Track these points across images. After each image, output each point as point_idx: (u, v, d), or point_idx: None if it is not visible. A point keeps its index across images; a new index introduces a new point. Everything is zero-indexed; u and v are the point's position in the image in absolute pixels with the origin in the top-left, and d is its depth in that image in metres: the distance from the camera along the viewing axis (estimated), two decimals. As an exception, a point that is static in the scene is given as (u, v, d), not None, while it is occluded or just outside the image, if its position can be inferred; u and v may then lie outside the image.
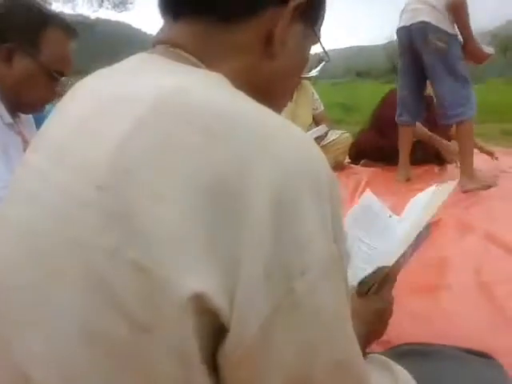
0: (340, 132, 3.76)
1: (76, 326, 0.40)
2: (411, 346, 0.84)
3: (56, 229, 0.43)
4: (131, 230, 0.39)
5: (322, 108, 3.85)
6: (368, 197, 1.02)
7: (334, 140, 3.60)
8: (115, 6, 22.76)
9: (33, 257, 0.44)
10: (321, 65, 0.69)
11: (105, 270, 0.39)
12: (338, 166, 3.47)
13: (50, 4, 22.42)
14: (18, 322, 0.44)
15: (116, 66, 0.53)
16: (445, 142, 3.41)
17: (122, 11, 23.32)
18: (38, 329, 0.42)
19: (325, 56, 0.67)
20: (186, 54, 0.51)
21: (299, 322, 0.40)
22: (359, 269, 0.86)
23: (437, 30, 2.66)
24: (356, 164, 3.78)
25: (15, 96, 1.23)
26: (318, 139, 3.45)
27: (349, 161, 3.80)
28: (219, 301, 0.37)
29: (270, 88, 0.57)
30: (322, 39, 0.61)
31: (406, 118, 3.07)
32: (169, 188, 0.39)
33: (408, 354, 0.78)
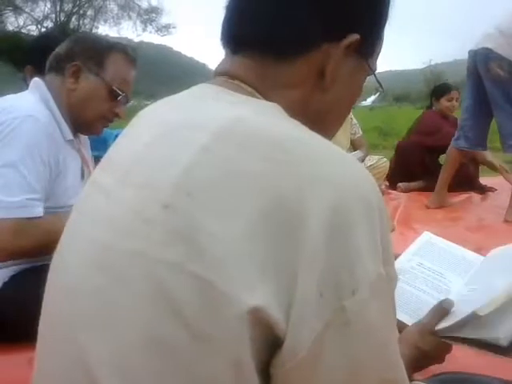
0: (378, 157, 3.75)
1: (139, 333, 0.43)
2: (452, 374, 0.84)
3: (120, 242, 0.46)
4: (195, 246, 0.42)
5: (361, 133, 3.86)
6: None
7: (371, 165, 3.59)
8: (158, 30, 23.63)
9: (100, 267, 0.47)
10: (376, 95, 0.71)
11: (168, 281, 0.42)
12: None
13: (97, 28, 23.44)
14: (86, 326, 0.47)
15: (182, 94, 0.57)
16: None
17: (164, 35, 24.18)
18: (104, 333, 0.45)
19: (379, 87, 0.68)
20: (244, 85, 0.54)
21: (349, 338, 0.42)
22: (426, 294, 0.89)
23: (499, 57, 2.64)
24: (393, 188, 3.77)
25: (78, 112, 1.33)
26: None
27: (387, 184, 3.80)
28: (276, 315, 0.40)
29: (322, 118, 0.59)
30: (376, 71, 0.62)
31: (462, 142, 2.97)
32: (231, 210, 0.42)
33: (451, 382, 0.78)
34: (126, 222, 0.47)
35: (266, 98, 0.54)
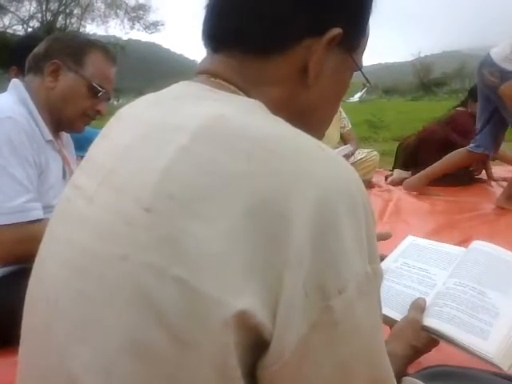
0: (367, 150, 3.76)
1: (122, 338, 0.42)
2: (444, 367, 0.84)
3: (102, 245, 0.45)
4: (178, 249, 0.41)
5: (350, 126, 3.86)
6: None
7: (361, 159, 3.60)
8: (146, 28, 23.47)
9: (81, 271, 0.46)
10: (363, 91, 0.69)
11: (151, 285, 0.41)
12: (365, 185, 3.44)
13: (85, 27, 23.25)
14: (69, 332, 0.46)
15: (161, 93, 0.55)
16: None
17: (152, 32, 24.02)
18: (87, 338, 0.44)
19: (366, 83, 0.67)
20: (225, 83, 0.53)
21: (336, 339, 0.42)
22: (412, 289, 0.90)
23: (492, 64, 2.65)
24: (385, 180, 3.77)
25: (59, 111, 1.32)
26: (344, 157, 3.45)
27: (376, 180, 3.80)
28: (262, 317, 0.39)
29: (308, 116, 0.57)
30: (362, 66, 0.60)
31: (476, 147, 3.04)
32: (213, 211, 0.41)
33: (440, 376, 0.78)
34: (107, 226, 0.46)
35: (248, 95, 0.53)
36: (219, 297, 0.39)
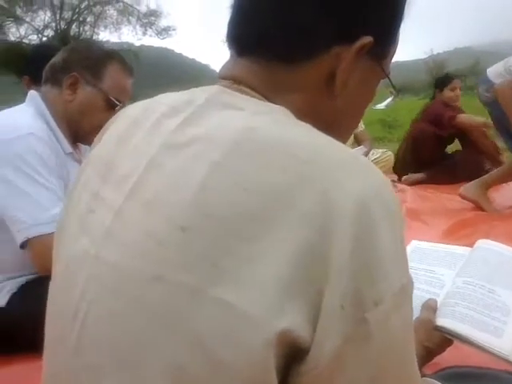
0: (382, 151, 3.75)
1: (157, 360, 0.41)
2: (462, 368, 0.84)
3: (134, 265, 0.44)
4: (217, 269, 0.40)
5: (363, 127, 3.85)
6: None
7: (375, 159, 3.59)
8: (158, 33, 23.64)
9: (113, 291, 0.45)
10: (389, 99, 0.66)
11: (187, 306, 0.40)
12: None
13: (98, 34, 23.54)
14: (99, 353, 0.45)
15: (182, 98, 0.52)
16: None
17: (164, 38, 24.19)
18: (119, 360, 0.43)
19: (393, 90, 0.65)
20: (249, 90, 0.52)
21: (371, 351, 0.41)
22: (421, 290, 0.91)
23: (487, 81, 2.68)
24: (399, 180, 3.77)
25: (76, 123, 1.34)
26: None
27: (393, 179, 3.79)
28: (303, 333, 0.39)
29: (334, 122, 0.56)
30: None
31: None
32: (253, 230, 0.40)
33: (459, 376, 0.78)
34: (138, 244, 0.44)
35: (273, 102, 0.51)
36: (261, 316, 0.39)
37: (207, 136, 0.46)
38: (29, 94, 1.36)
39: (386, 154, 3.69)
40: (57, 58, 1.35)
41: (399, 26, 0.57)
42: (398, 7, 0.56)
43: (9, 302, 1.25)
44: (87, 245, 0.49)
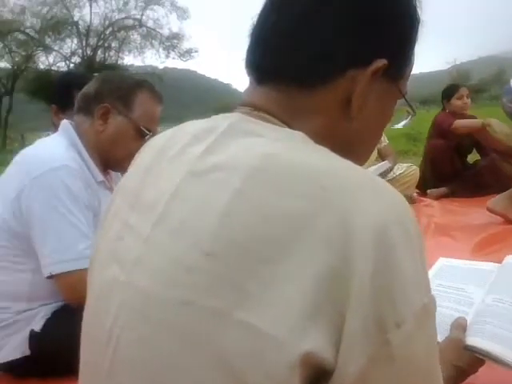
0: (407, 165, 3.71)
1: (187, 382, 0.43)
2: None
3: (163, 290, 0.45)
4: (242, 292, 0.41)
5: (387, 142, 3.82)
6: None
7: (401, 174, 3.56)
8: (181, 56, 24.15)
9: (144, 316, 0.46)
10: (407, 119, 0.67)
11: (214, 330, 0.42)
12: (407, 200, 3.40)
13: (123, 59, 24.20)
14: (132, 376, 0.47)
15: (202, 126, 0.54)
16: None
17: (187, 60, 24.69)
18: (154, 383, 0.45)
19: (410, 111, 0.65)
20: (269, 117, 0.53)
21: (395, 373, 0.42)
22: (451, 309, 0.90)
23: (510, 91, 2.69)
24: (424, 195, 3.72)
25: (107, 153, 1.37)
26: (382, 174, 3.42)
27: (418, 192, 3.76)
28: (326, 355, 0.40)
29: (352, 145, 0.57)
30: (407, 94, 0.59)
31: None
32: (274, 253, 0.41)
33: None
34: (166, 271, 0.46)
35: (291, 127, 0.53)
36: (285, 338, 0.40)
37: (228, 163, 0.48)
38: (61, 124, 1.40)
39: (411, 169, 3.65)
40: (89, 89, 1.39)
41: (413, 47, 0.58)
42: (411, 29, 0.57)
43: (43, 327, 1.29)
44: (117, 271, 0.51)
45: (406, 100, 0.61)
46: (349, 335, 0.40)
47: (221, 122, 0.53)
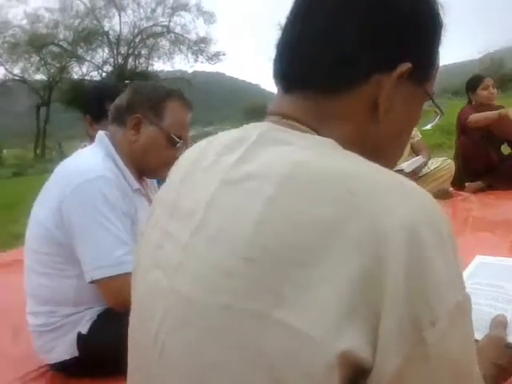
0: (442, 159, 3.64)
1: (230, 383, 0.45)
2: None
3: (204, 295, 0.47)
4: (280, 295, 0.43)
5: (420, 136, 3.75)
6: None
7: (435, 168, 3.49)
8: (209, 59, 24.39)
9: (187, 321, 0.48)
10: (436, 120, 0.67)
11: (254, 331, 0.43)
12: (442, 195, 3.35)
13: (152, 65, 24.63)
14: (179, 379, 0.49)
15: (237, 136, 0.56)
16: None
17: (215, 63, 24.91)
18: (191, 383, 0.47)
19: (438, 111, 0.66)
20: (298, 125, 0.55)
21: (430, 371, 0.42)
22: (489, 306, 0.89)
23: None
24: (463, 189, 3.64)
25: (141, 161, 1.42)
26: (417, 169, 3.37)
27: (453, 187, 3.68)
28: (363, 354, 0.41)
29: (380, 148, 0.58)
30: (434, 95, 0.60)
31: None
32: (308, 257, 0.43)
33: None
34: (206, 276, 0.48)
35: (320, 133, 0.54)
36: (322, 338, 0.41)
37: (260, 172, 0.49)
38: (97, 135, 1.46)
39: (446, 163, 3.58)
40: (121, 100, 1.44)
41: (437, 49, 0.59)
42: (434, 32, 0.58)
43: (90, 330, 1.35)
44: (160, 277, 0.53)
45: (433, 101, 0.61)
46: (384, 334, 0.41)
47: (251, 131, 0.55)
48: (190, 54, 24.18)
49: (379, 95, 0.54)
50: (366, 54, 0.54)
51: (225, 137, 0.59)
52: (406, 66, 0.54)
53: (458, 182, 3.68)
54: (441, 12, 0.58)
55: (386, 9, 0.54)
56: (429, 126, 0.69)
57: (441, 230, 0.45)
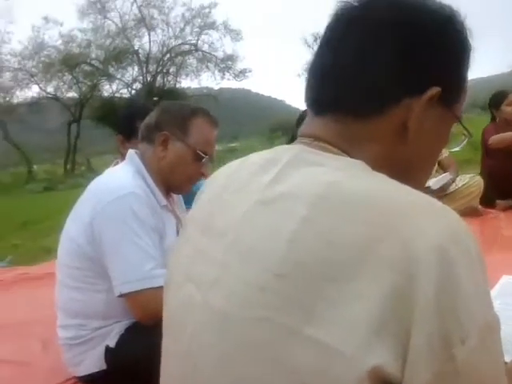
0: (470, 176, 3.58)
1: None
2: None
3: (238, 310, 0.49)
4: (311, 311, 0.44)
5: (448, 153, 3.70)
6: None
7: (463, 185, 3.44)
8: (236, 76, 24.71)
9: (222, 334, 0.50)
10: (464, 142, 0.68)
11: (286, 345, 0.45)
12: (471, 212, 3.29)
13: (180, 82, 25.13)
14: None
15: (266, 156, 0.58)
16: None
17: (242, 80, 25.21)
18: None
19: (466, 134, 0.66)
20: (329, 146, 0.56)
21: None
22: None
23: None
24: (491, 207, 3.56)
25: (168, 177, 1.47)
26: (444, 186, 3.32)
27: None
28: (393, 370, 0.42)
29: (409, 170, 0.59)
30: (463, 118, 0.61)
31: None
32: (340, 275, 0.44)
33: None
34: (242, 292, 0.50)
35: (350, 155, 0.56)
36: (353, 354, 0.42)
37: (294, 192, 0.51)
38: (128, 153, 1.51)
39: (474, 179, 3.51)
40: (150, 119, 1.50)
41: (466, 73, 0.60)
42: (463, 57, 0.59)
43: (117, 343, 1.38)
44: (193, 292, 0.55)
45: (461, 124, 0.62)
46: (414, 351, 0.42)
47: (284, 153, 0.57)
48: (216, 72, 24.59)
49: (409, 118, 0.55)
50: (397, 79, 0.55)
51: (257, 157, 0.61)
52: (435, 90, 0.55)
53: (487, 200, 3.60)
54: (469, 36, 0.59)
55: (416, 35, 0.56)
56: (457, 148, 0.69)
57: (469, 250, 0.46)
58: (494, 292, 1.03)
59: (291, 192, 0.51)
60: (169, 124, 1.45)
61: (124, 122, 2.21)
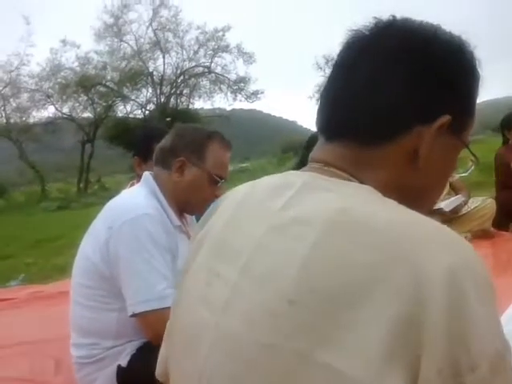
0: (482, 198, 3.57)
1: None
2: None
3: (250, 334, 0.50)
4: (322, 336, 0.45)
5: (457, 176, 3.71)
6: None
7: (476, 207, 3.42)
8: (248, 98, 24.91)
9: (233, 356, 0.51)
10: (471, 168, 0.69)
11: (295, 370, 0.46)
12: (483, 235, 3.26)
13: (193, 104, 25.43)
14: None
15: (280, 182, 0.59)
16: None
17: (254, 101, 25.42)
18: None
19: (474, 159, 0.68)
20: (339, 172, 0.58)
21: None
22: None
23: None
24: (504, 230, 3.53)
25: (184, 200, 1.50)
26: (456, 209, 3.31)
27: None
28: None
29: (417, 195, 0.60)
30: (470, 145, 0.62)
31: None
32: (352, 301, 0.45)
33: None
34: (254, 316, 0.50)
35: (360, 180, 0.57)
36: (364, 380, 0.43)
37: (305, 217, 0.52)
38: (143, 176, 1.55)
39: (486, 202, 3.50)
40: (165, 143, 1.52)
41: (475, 101, 0.61)
42: (473, 86, 0.60)
43: (129, 363, 1.39)
44: (206, 315, 0.56)
45: (469, 150, 0.63)
46: (424, 377, 0.43)
47: (295, 178, 0.59)
48: (229, 93, 24.82)
49: (419, 145, 0.57)
50: (409, 108, 0.56)
51: (267, 182, 0.62)
52: (445, 118, 0.57)
53: (500, 222, 3.57)
54: (478, 65, 0.60)
55: (427, 64, 0.57)
56: (465, 174, 0.71)
57: (479, 276, 0.46)
58: (506, 315, 1.02)
59: (303, 217, 0.52)
60: (185, 149, 1.48)
61: (141, 144, 2.26)
